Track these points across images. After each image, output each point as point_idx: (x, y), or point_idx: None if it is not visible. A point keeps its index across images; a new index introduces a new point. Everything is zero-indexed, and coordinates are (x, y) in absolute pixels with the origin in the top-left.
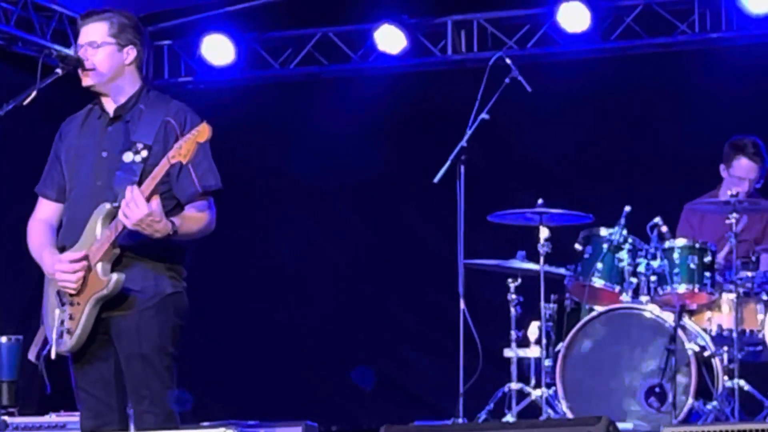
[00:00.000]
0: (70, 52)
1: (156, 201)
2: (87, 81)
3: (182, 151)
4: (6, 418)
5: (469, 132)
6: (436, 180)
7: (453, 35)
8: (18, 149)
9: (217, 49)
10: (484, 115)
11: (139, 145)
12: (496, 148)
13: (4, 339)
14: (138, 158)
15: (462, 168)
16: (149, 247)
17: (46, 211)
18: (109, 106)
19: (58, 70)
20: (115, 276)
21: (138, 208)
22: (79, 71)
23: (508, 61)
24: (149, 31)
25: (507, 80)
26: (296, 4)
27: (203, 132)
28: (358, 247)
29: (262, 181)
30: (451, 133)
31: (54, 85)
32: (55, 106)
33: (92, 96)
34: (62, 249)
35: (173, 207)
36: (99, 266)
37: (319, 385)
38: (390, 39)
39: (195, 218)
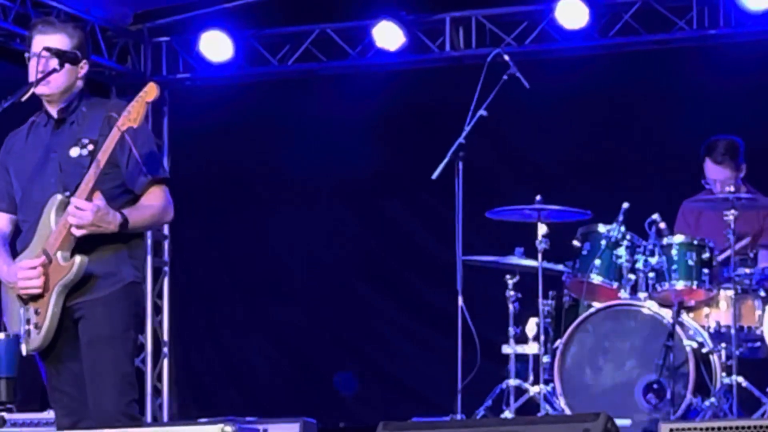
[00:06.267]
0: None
1: (98, 197)
2: (44, 90)
3: (132, 115)
4: (4, 414)
5: (467, 128)
6: (434, 176)
7: (451, 32)
8: None
9: (215, 46)
10: (482, 112)
11: (85, 140)
12: (494, 144)
13: (1, 335)
14: (84, 152)
15: (460, 164)
16: (111, 237)
17: None
18: (54, 111)
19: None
20: (77, 258)
21: (84, 211)
22: (33, 80)
23: (506, 57)
24: (147, 27)
25: (505, 77)
26: (294, 1)
27: (151, 91)
28: (355, 243)
29: (260, 177)
30: (449, 130)
31: None
32: None
33: (39, 104)
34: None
35: (127, 201)
36: (59, 254)
37: (317, 381)
38: (388, 35)
39: (147, 208)
